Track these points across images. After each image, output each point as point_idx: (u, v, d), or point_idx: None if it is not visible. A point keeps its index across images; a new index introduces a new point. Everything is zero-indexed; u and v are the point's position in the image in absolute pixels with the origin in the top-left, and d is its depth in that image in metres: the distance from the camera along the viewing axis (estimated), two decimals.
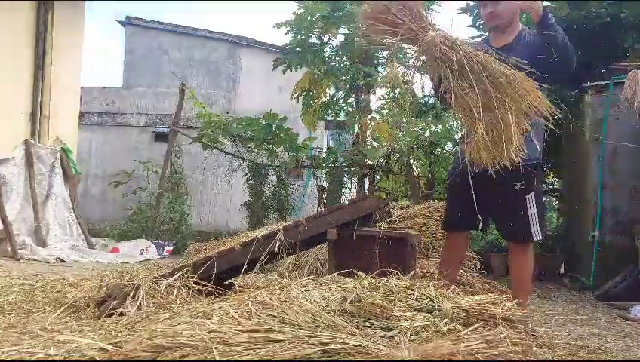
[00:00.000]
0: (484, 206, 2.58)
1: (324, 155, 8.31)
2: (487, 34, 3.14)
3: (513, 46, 2.75)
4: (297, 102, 7.67)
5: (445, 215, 3.04)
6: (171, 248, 7.43)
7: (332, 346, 1.41)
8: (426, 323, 1.68)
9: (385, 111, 8.64)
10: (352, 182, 8.17)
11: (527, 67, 2.37)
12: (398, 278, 2.16)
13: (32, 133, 6.63)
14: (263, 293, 1.94)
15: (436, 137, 8.06)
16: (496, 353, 1.47)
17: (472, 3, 6.62)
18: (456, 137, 7.89)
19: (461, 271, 3.80)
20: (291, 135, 7.80)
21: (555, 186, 7.70)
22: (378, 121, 8.03)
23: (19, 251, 5.53)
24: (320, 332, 1.51)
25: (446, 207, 3.01)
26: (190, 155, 9.20)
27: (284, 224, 4.16)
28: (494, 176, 2.31)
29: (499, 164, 2.27)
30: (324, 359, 1.39)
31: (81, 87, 8.30)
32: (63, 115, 7.13)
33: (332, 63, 7.55)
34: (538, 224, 2.68)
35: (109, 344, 1.53)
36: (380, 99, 8.10)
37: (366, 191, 7.39)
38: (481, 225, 2.69)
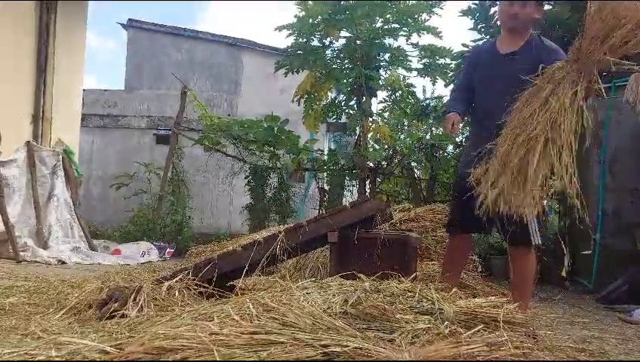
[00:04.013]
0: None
1: (325, 158, 8.31)
2: (488, 37, 3.15)
3: (519, 53, 2.77)
4: (299, 105, 7.68)
5: (449, 218, 3.04)
6: (173, 250, 7.44)
7: (333, 349, 1.41)
8: (427, 325, 1.68)
9: (386, 114, 8.66)
10: (353, 185, 8.18)
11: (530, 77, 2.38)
12: (399, 281, 2.16)
13: (34, 135, 6.64)
14: (265, 295, 1.94)
15: (437, 140, 8.07)
16: (497, 356, 1.47)
17: (473, 6, 6.63)
18: (458, 140, 7.90)
19: (462, 273, 3.80)
20: (293, 137, 7.81)
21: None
22: (379, 123, 8.03)
23: (20, 253, 5.54)
24: (321, 334, 1.51)
25: (449, 209, 3.01)
26: (192, 157, 9.20)
27: (285, 226, 4.17)
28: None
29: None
30: (324, 361, 1.39)
31: (83, 90, 8.32)
32: (65, 118, 7.14)
33: (334, 66, 7.55)
34: (537, 228, 2.68)
35: (111, 346, 1.53)
36: (382, 101, 8.11)
37: (367, 193, 7.38)
38: (483, 228, 2.69)
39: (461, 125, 2.69)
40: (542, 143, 2.16)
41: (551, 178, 2.17)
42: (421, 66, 7.38)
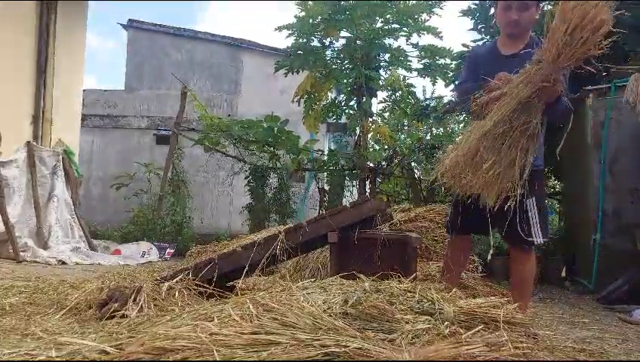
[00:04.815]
0: (486, 210, 2.58)
1: (325, 158, 8.31)
2: (488, 37, 3.15)
3: (520, 55, 2.77)
4: (299, 105, 7.68)
5: (449, 218, 3.03)
6: (173, 250, 7.43)
7: (333, 349, 1.41)
8: (427, 326, 1.68)
9: (386, 114, 8.66)
10: (353, 185, 8.17)
11: None
12: (399, 281, 2.16)
13: (35, 135, 6.64)
14: (265, 296, 1.94)
15: (437, 140, 8.07)
16: (497, 356, 1.47)
17: (473, 6, 6.64)
18: (458, 140, 7.89)
19: (462, 273, 3.80)
20: (293, 137, 7.81)
21: (557, 189, 7.70)
22: (379, 123, 8.03)
23: (20, 253, 5.54)
24: (321, 334, 1.51)
25: (450, 210, 3.01)
26: (192, 158, 9.21)
27: (285, 226, 4.17)
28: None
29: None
30: (325, 361, 1.39)
31: (83, 90, 8.32)
32: (65, 118, 7.14)
33: (334, 66, 7.55)
34: (539, 228, 2.68)
35: (111, 346, 1.54)
36: (382, 102, 8.11)
37: (367, 193, 7.38)
38: (484, 228, 2.69)
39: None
40: (493, 134, 2.35)
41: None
42: (421, 66, 7.38)
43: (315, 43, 7.54)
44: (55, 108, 6.88)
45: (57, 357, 1.52)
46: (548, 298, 4.61)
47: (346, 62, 7.56)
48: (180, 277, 2.80)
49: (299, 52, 7.44)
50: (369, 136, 7.76)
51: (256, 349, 1.42)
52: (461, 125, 9.31)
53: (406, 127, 9.97)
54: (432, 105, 8.26)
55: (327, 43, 7.59)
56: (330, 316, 1.71)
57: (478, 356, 1.45)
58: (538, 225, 2.68)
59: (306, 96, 7.60)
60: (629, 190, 4.97)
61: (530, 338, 1.78)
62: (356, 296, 1.85)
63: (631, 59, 5.22)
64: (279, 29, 7.26)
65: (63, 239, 6.49)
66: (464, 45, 6.89)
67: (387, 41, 7.39)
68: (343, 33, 7.43)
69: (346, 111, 7.89)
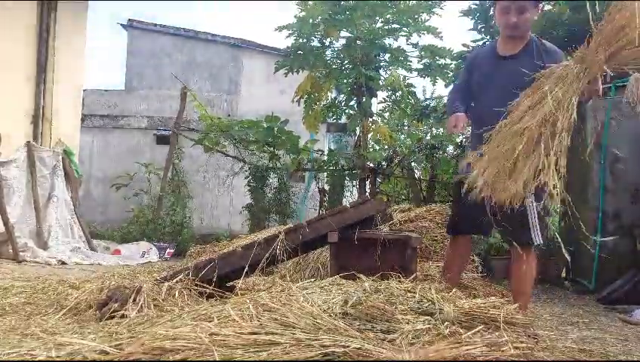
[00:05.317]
0: (486, 210, 2.58)
1: (325, 158, 8.31)
2: (488, 37, 3.15)
3: (519, 56, 2.78)
4: (299, 105, 7.68)
5: (450, 219, 3.04)
6: (172, 250, 7.43)
7: (333, 349, 1.41)
8: (428, 326, 1.68)
9: (386, 114, 8.65)
10: (353, 185, 8.17)
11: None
12: (399, 281, 2.16)
13: (34, 135, 6.64)
14: (265, 296, 1.94)
15: (437, 140, 8.07)
16: (497, 356, 1.47)
17: (473, 6, 6.64)
18: (458, 140, 7.90)
19: (462, 273, 3.80)
20: (293, 138, 7.81)
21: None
22: (379, 123, 8.03)
23: (20, 253, 5.54)
24: (321, 335, 1.51)
25: (451, 210, 3.01)
26: (192, 158, 9.21)
27: (285, 226, 4.17)
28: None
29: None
30: None
31: (83, 90, 8.31)
32: (65, 118, 7.14)
33: (334, 66, 7.55)
34: (539, 228, 2.68)
35: (111, 346, 1.53)
36: (382, 102, 8.11)
37: (367, 194, 7.38)
38: (484, 229, 2.69)
39: (464, 125, 2.71)
40: (531, 136, 2.19)
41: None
42: (421, 67, 7.37)
43: (315, 43, 7.53)
44: (55, 108, 6.87)
45: (57, 357, 1.52)
46: (548, 298, 4.60)
47: (346, 62, 7.55)
48: (179, 277, 2.80)
49: (299, 52, 7.43)
50: (369, 136, 7.76)
51: (256, 349, 1.42)
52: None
53: (406, 127, 9.96)
54: (432, 105, 8.25)
55: (327, 43, 7.58)
56: (330, 316, 1.71)
57: (479, 356, 1.45)
58: (537, 226, 2.68)
59: (306, 96, 7.59)
60: (629, 190, 4.97)
61: (530, 339, 1.78)
62: (356, 296, 1.85)
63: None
64: (279, 29, 7.25)
65: (63, 239, 6.49)
66: (464, 45, 6.89)
67: (387, 41, 7.39)
68: (343, 33, 7.42)
69: (346, 111, 7.88)
